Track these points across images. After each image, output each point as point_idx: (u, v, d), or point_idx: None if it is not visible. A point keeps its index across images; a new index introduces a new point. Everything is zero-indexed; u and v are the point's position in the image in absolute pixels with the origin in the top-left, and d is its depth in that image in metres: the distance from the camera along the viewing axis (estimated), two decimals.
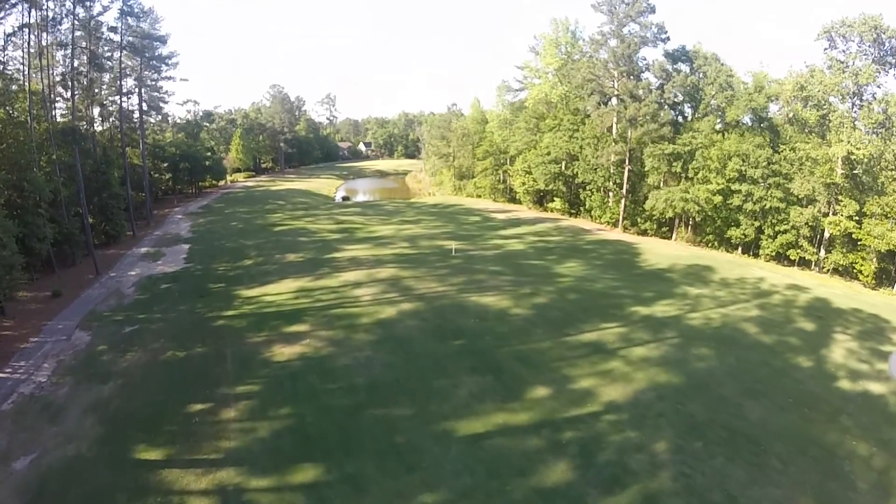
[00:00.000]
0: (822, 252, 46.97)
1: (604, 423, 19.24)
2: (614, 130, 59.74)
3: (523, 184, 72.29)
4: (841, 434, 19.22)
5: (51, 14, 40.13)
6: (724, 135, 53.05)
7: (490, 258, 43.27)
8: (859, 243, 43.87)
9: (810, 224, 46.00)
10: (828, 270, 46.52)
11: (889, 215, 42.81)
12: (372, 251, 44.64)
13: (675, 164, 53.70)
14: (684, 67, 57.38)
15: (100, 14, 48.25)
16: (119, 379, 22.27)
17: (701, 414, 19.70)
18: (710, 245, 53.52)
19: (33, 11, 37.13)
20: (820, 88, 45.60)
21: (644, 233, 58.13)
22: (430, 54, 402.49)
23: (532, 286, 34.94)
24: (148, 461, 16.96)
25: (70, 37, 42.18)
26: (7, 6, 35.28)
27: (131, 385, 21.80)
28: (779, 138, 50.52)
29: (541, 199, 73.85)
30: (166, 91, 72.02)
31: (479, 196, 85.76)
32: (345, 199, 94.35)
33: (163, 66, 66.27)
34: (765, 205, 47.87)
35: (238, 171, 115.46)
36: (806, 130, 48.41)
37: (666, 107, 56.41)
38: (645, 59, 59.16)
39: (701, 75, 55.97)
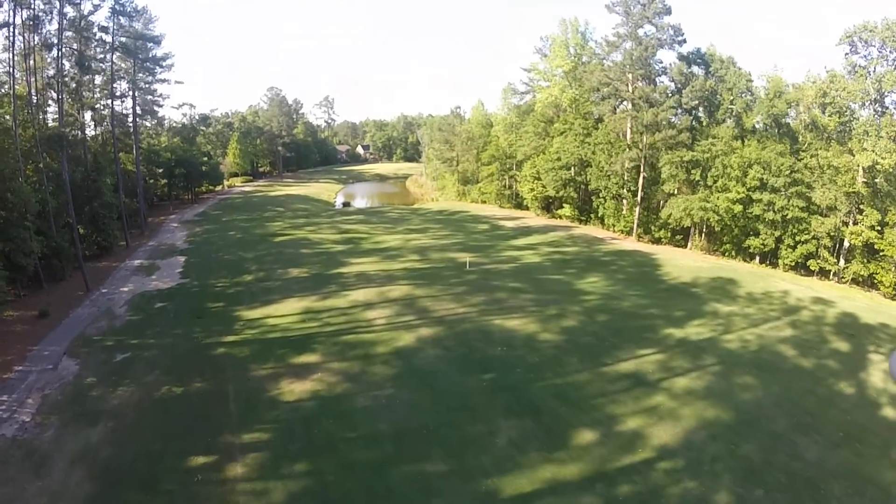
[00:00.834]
0: (842, 262, 46.06)
1: (659, 472, 17.67)
2: (628, 136, 57.57)
3: (532, 190, 69.69)
4: (895, 471, 18.32)
5: (38, 13, 37.49)
6: (742, 141, 51.20)
7: (507, 273, 41.21)
8: (880, 253, 43.10)
9: (831, 234, 45.15)
10: (847, 281, 45.49)
11: None
12: (381, 265, 42.39)
13: (693, 171, 51.72)
14: (699, 71, 55.52)
15: (90, 13, 45.59)
16: (110, 420, 19.99)
17: (756, 455, 18.52)
18: (727, 255, 51.90)
19: (19, 10, 34.58)
20: (843, 95, 44.51)
21: (658, 241, 56.31)
22: (431, 54, 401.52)
23: (557, 306, 33.04)
24: None
25: (58, 37, 39.47)
26: None
27: (123, 429, 19.50)
28: (796, 144, 49.13)
29: (549, 205, 71.46)
30: (161, 94, 69.71)
31: (485, 202, 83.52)
32: (345, 204, 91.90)
33: (157, 68, 64.07)
34: (786, 214, 46.51)
35: (235, 175, 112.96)
36: (825, 137, 47.21)
37: (683, 112, 54.36)
38: (661, 62, 57.18)
39: (718, 79, 53.98)
